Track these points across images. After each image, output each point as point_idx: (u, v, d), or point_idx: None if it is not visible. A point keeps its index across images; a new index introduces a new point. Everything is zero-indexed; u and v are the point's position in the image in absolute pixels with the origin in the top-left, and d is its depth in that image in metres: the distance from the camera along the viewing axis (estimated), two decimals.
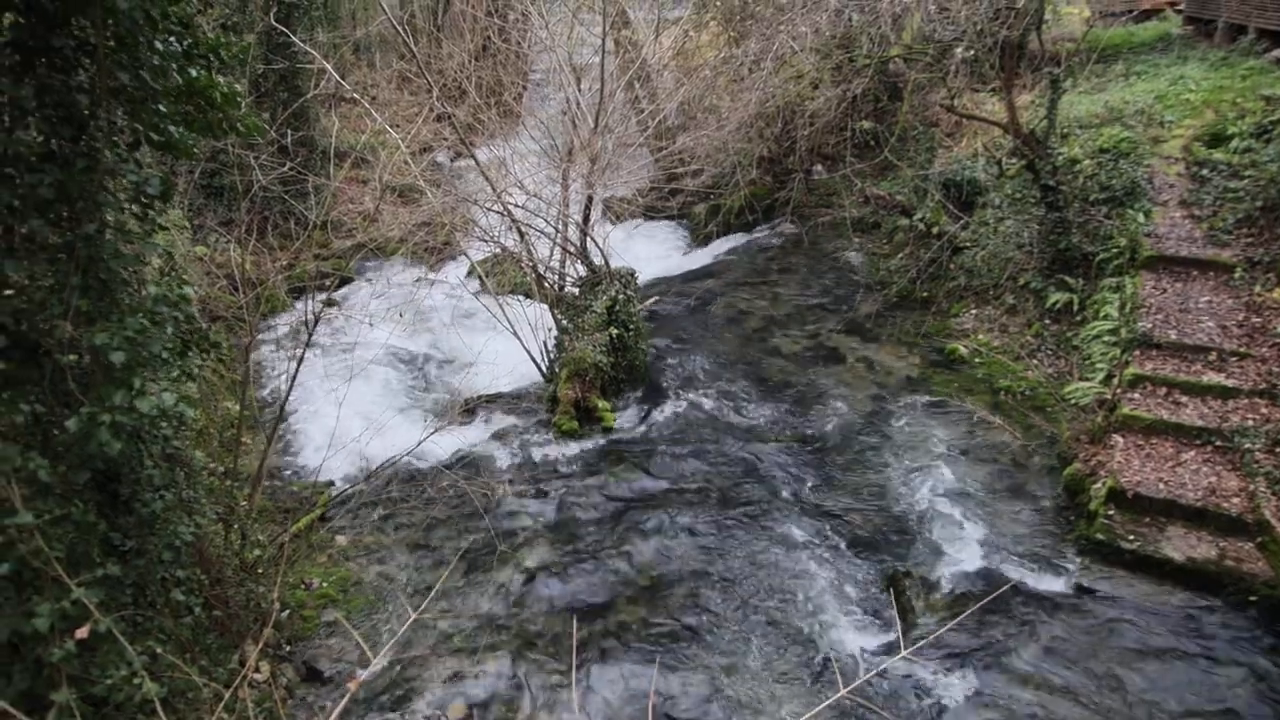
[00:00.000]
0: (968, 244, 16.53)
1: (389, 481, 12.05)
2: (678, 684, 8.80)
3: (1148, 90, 18.25)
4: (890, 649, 9.08)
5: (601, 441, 13.22)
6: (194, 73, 6.02)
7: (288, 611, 9.56)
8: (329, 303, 14.75)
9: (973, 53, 14.75)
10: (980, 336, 15.17)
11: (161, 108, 5.95)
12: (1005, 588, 9.57)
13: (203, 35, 6.18)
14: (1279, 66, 17.74)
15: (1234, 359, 11.91)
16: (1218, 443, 10.96)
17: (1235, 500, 10.19)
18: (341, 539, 11.08)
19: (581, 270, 15.05)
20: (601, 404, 13.74)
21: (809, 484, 12.08)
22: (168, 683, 6.59)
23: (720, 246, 21.42)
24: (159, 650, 6.56)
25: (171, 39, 5.81)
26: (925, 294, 16.81)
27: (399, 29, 15.50)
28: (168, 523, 6.89)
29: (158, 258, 6.63)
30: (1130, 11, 22.91)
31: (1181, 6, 23.30)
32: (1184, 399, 11.66)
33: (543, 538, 11.09)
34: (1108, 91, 18.79)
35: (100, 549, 5.98)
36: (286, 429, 13.28)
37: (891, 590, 9.90)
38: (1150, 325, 12.61)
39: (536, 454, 12.95)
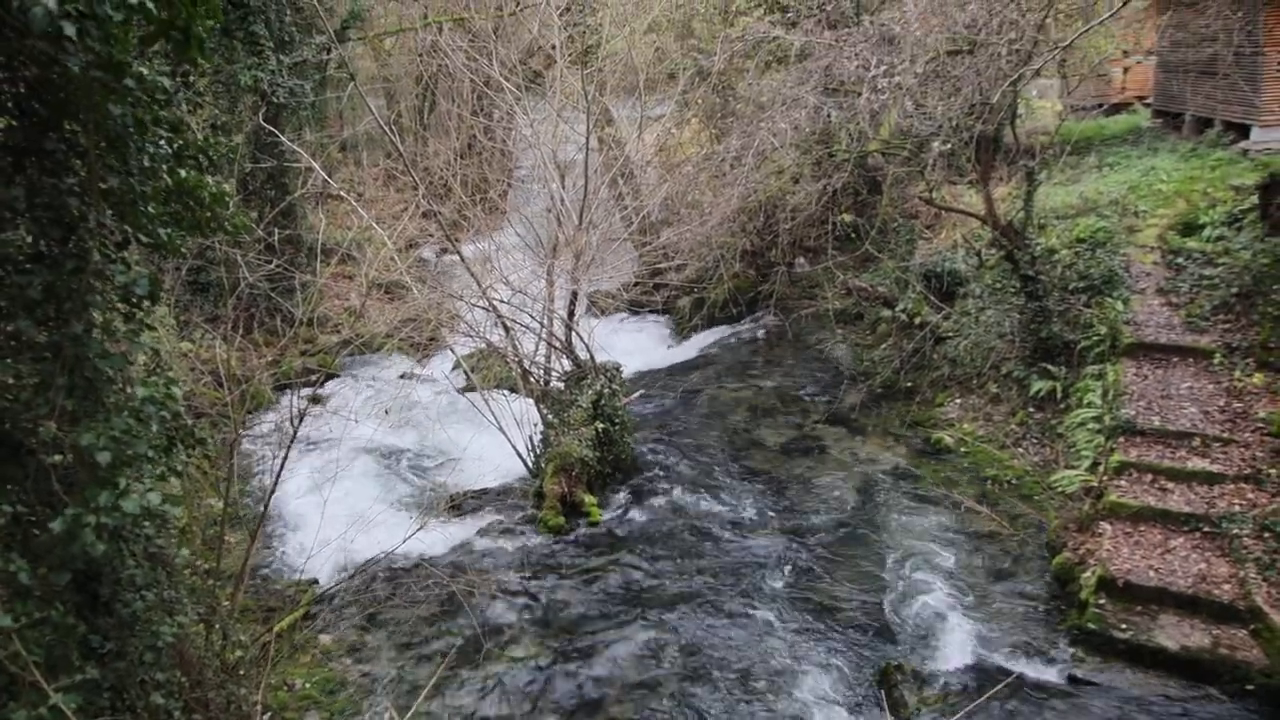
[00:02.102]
0: (950, 334, 16.67)
1: (374, 579, 11.89)
2: None
3: (1121, 181, 18.61)
4: None
5: (588, 536, 13.12)
6: (183, 173, 6.08)
7: (269, 714, 9.35)
8: (314, 399, 14.71)
9: (949, 146, 15.03)
10: (965, 426, 15.21)
11: (151, 208, 6.00)
12: (1005, 684, 9.41)
13: (192, 136, 6.26)
14: (1246, 157, 18.15)
15: (1218, 444, 11.96)
16: (1206, 529, 10.94)
17: (1226, 587, 10.13)
18: (325, 638, 10.90)
19: (567, 365, 15.10)
20: (588, 498, 13.67)
21: (797, 577, 11.98)
22: None
23: (704, 339, 21.55)
24: None
25: (162, 141, 5.88)
26: (909, 384, 16.89)
27: (385, 128, 15.79)
28: (149, 623, 6.76)
29: (144, 355, 6.62)
30: (1100, 105, 23.47)
31: (1150, 100, 23.92)
32: (1170, 485, 11.67)
33: (530, 634, 10.93)
34: (1082, 183, 19.15)
35: (79, 651, 5.86)
36: (270, 526, 13.14)
37: (883, 684, 9.76)
38: (1134, 412, 12.67)
39: (523, 549, 12.83)
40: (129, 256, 6.22)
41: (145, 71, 5.48)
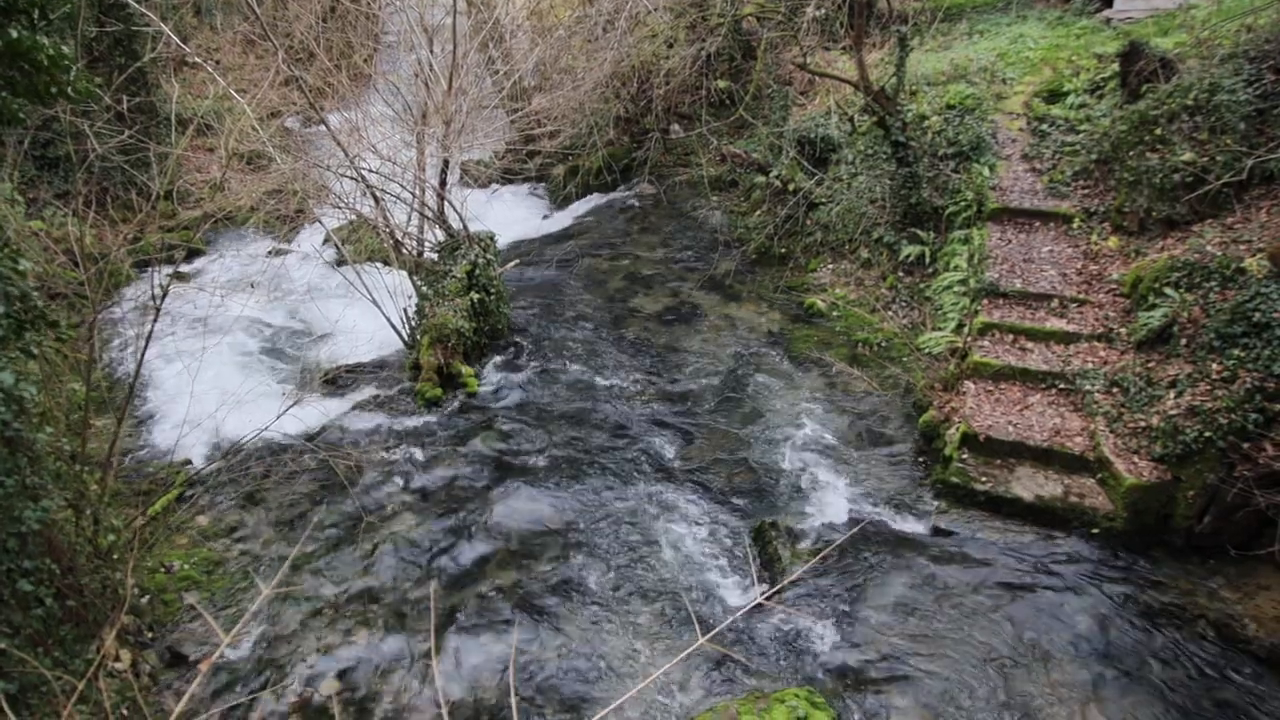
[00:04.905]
0: (823, 200, 16.85)
1: (249, 458, 11.71)
2: (544, 644, 8.86)
3: (990, 48, 18.83)
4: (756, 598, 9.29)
5: (465, 407, 13.11)
6: (14, 33, 5.66)
7: (147, 597, 9.25)
8: (177, 276, 14.16)
9: (823, 11, 14.97)
10: (837, 290, 15.52)
11: None
12: (857, 528, 9.91)
13: None
14: (1109, 26, 18.51)
15: (1074, 305, 12.47)
16: (1061, 385, 11.50)
17: (1078, 440, 10.71)
18: (202, 519, 10.75)
19: (440, 235, 14.81)
20: (465, 369, 13.61)
21: (674, 441, 12.22)
22: (18, 679, 6.32)
23: (580, 208, 21.36)
24: (5, 646, 6.27)
25: None
26: (783, 250, 17.09)
27: None
28: (10, 510, 6.57)
29: None
30: None
31: None
32: (1030, 345, 12.17)
33: (409, 506, 10.97)
34: (953, 50, 19.31)
35: None
36: (139, 408, 12.79)
37: (756, 541, 10.12)
38: (997, 275, 13.09)
39: (400, 422, 12.76)
40: None
41: None
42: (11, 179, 12.87)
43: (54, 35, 6.18)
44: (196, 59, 15.72)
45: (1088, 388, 11.22)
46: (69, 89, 6.18)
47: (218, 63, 18.62)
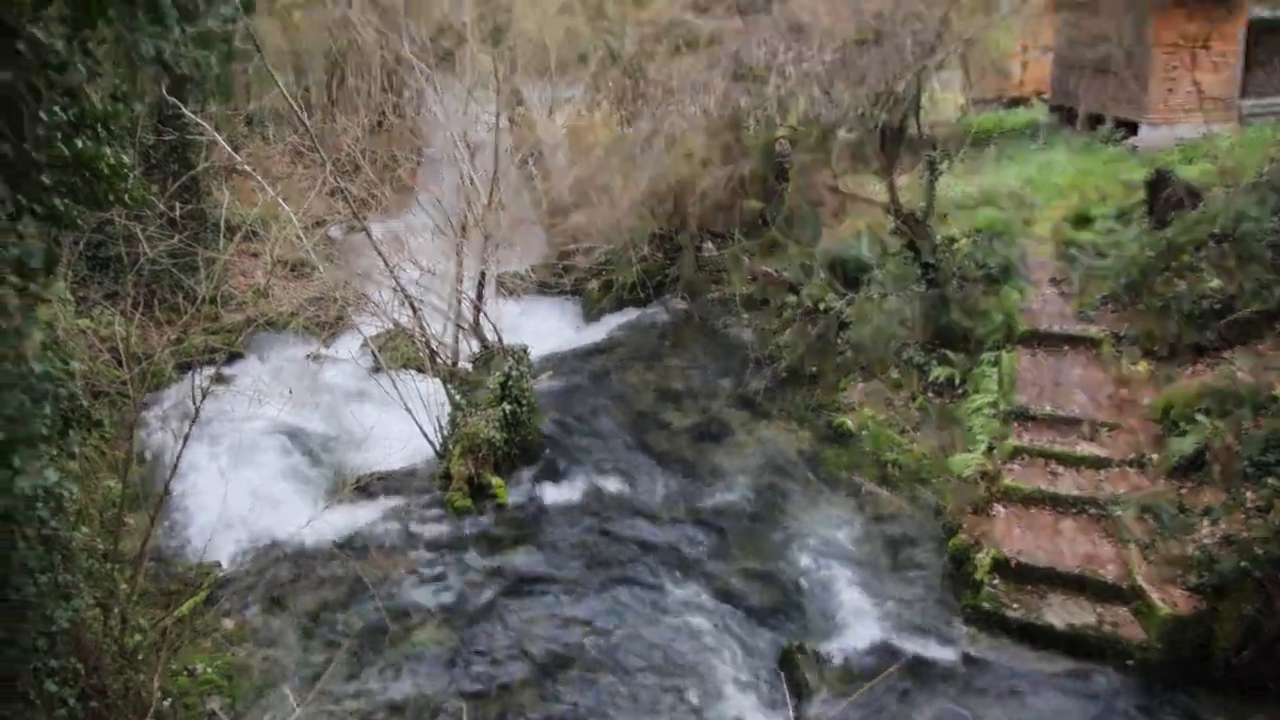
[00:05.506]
0: (853, 320, 16.94)
1: (278, 562, 11.74)
2: None
3: (1018, 174, 19.12)
4: None
5: (495, 518, 13.11)
6: (81, 143, 5.90)
7: (169, 700, 9.19)
8: (218, 378, 14.38)
9: (855, 135, 15.27)
10: (867, 410, 15.49)
11: (45, 179, 5.82)
12: (896, 666, 9.69)
13: (90, 105, 6.07)
14: (1134, 154, 18.82)
15: (1105, 430, 12.42)
16: (1093, 511, 11.38)
17: (1111, 567, 10.57)
18: (228, 622, 10.74)
19: (475, 346, 15.02)
20: (495, 480, 13.65)
21: (702, 560, 12.13)
22: None
23: (613, 322, 21.57)
24: None
25: (57, 108, 5.71)
26: (813, 369, 17.12)
27: (292, 103, 15.48)
28: (42, 609, 6.60)
29: (39, 331, 6.44)
30: (1000, 99, 24.07)
31: (1047, 95, 24.62)
32: (1060, 469, 12.10)
33: (436, 618, 10.91)
34: (981, 174, 19.61)
35: None
36: (172, 508, 12.86)
37: (784, 667, 9.96)
38: (1027, 398, 13.09)
39: (430, 531, 12.77)
40: (22, 228, 6.03)
41: (39, 35, 5.30)
42: (65, 278, 13.22)
43: (114, 145, 6.43)
44: (246, 168, 16.25)
45: (1120, 514, 11.10)
46: (126, 196, 6.39)
47: (267, 172, 19.21)
